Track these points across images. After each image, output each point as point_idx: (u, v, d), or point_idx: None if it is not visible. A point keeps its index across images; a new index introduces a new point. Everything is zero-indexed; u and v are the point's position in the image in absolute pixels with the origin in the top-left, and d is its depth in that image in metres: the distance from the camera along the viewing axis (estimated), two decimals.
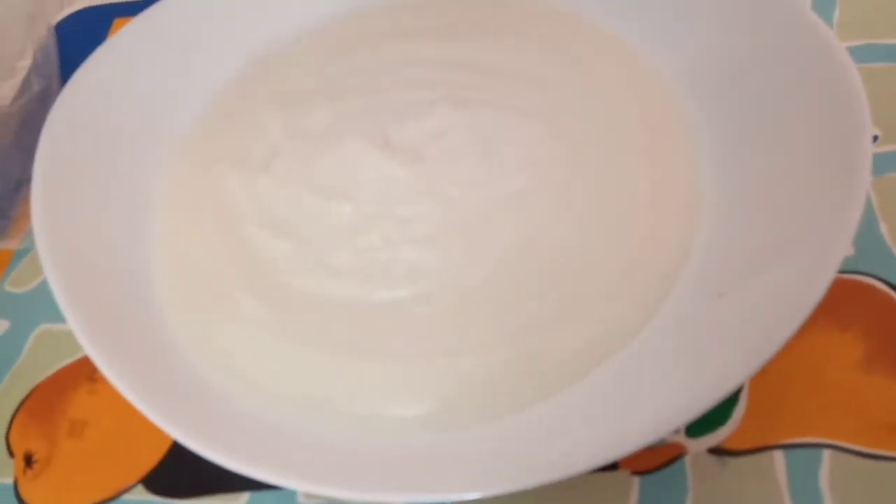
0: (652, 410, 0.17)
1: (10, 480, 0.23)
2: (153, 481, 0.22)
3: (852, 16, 0.28)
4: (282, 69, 0.28)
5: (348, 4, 0.29)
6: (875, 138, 0.25)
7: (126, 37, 0.28)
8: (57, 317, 0.24)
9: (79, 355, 0.25)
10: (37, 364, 0.25)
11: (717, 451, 0.20)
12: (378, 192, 0.23)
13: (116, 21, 0.38)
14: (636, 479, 0.20)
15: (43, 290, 0.27)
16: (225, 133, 0.27)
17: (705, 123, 0.23)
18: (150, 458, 0.22)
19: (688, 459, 0.20)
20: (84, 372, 0.25)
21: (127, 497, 0.22)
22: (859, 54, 0.27)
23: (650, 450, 0.20)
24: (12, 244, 0.29)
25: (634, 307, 0.20)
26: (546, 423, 0.18)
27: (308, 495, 0.21)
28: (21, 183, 0.31)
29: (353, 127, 0.25)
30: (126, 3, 0.38)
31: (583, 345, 0.19)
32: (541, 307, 0.20)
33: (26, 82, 0.36)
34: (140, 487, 0.22)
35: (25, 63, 0.37)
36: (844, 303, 0.21)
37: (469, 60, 0.26)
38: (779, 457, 0.19)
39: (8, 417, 0.24)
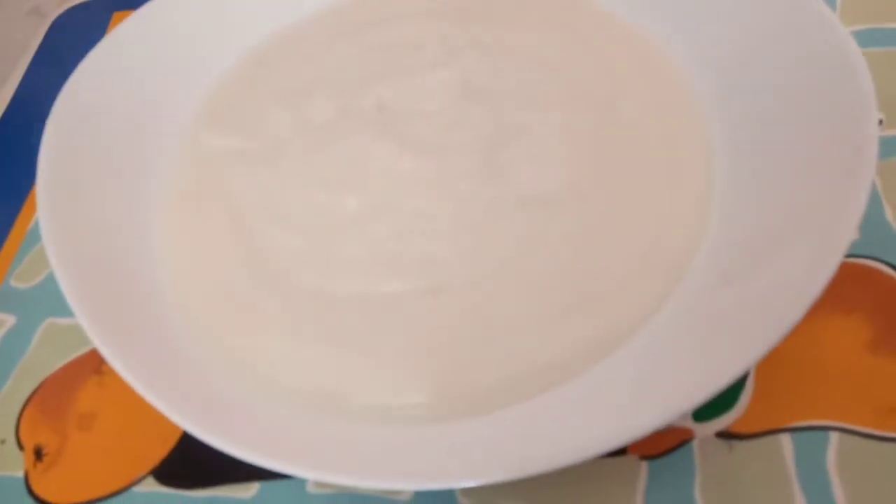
0: (660, 396, 0.17)
1: (20, 473, 0.23)
2: (163, 473, 0.22)
3: (855, 0, 0.28)
4: (285, 59, 0.28)
5: None
6: (880, 122, 0.25)
7: (126, 31, 0.27)
8: (63, 310, 0.24)
9: (86, 348, 0.25)
10: (44, 358, 0.26)
11: (724, 435, 0.20)
12: (386, 185, 0.23)
13: (116, 14, 0.38)
14: (644, 464, 0.20)
15: (49, 285, 0.27)
16: (229, 126, 0.27)
17: (715, 112, 0.23)
18: (160, 450, 0.22)
19: (695, 444, 0.20)
20: (92, 365, 0.25)
21: (137, 489, 0.22)
22: (862, 39, 0.27)
23: (658, 434, 0.20)
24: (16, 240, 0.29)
25: (644, 296, 0.20)
26: (556, 411, 0.18)
27: (318, 484, 0.21)
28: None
29: (359, 118, 0.25)
30: None
31: (593, 334, 0.19)
32: (551, 297, 0.20)
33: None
34: (150, 479, 0.22)
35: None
36: (850, 287, 0.21)
37: (482, 45, 0.26)
38: (786, 440, 0.19)
39: (17, 411, 0.24)
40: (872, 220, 0.22)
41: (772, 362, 0.20)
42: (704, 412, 0.20)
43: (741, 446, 0.19)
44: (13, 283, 0.28)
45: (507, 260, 0.21)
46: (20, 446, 0.24)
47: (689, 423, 0.20)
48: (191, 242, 0.24)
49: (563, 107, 0.24)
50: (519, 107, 0.24)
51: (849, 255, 0.22)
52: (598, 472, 0.20)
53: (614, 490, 0.19)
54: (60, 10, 0.39)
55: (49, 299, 0.27)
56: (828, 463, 0.19)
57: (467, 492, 0.20)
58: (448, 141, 0.23)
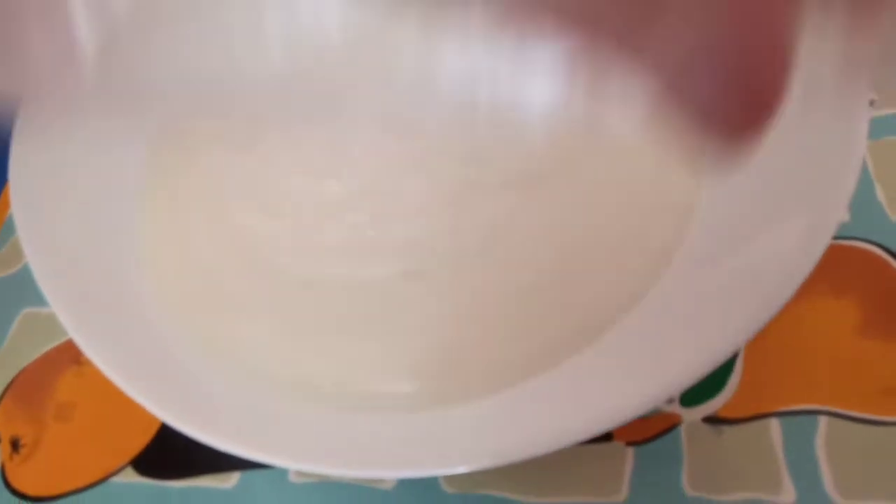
0: (646, 380, 0.16)
1: None
2: (142, 463, 0.22)
3: None
4: None
5: None
6: (872, 102, 0.24)
7: None
8: (41, 300, 0.24)
9: (64, 338, 0.25)
10: (22, 348, 0.25)
11: (712, 420, 0.19)
12: (365, 168, 0.23)
13: None
14: (630, 450, 0.19)
15: (27, 273, 0.27)
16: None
17: None
18: (139, 440, 0.22)
19: (683, 429, 0.20)
20: (70, 355, 0.24)
21: (116, 479, 0.22)
22: None
23: (644, 420, 0.20)
24: None
25: (630, 278, 0.19)
26: (539, 396, 0.18)
27: (299, 473, 0.21)
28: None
29: (338, 101, 0.24)
30: None
31: (577, 318, 0.19)
32: (534, 282, 0.20)
33: None
34: (129, 469, 0.22)
35: None
36: (840, 268, 0.21)
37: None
38: (774, 424, 0.19)
39: None
40: (863, 201, 0.22)
41: (760, 346, 0.20)
42: (692, 397, 0.20)
43: (729, 431, 0.19)
44: None
45: (490, 242, 0.21)
46: None
47: (677, 408, 0.20)
48: (169, 227, 0.23)
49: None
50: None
51: (840, 237, 0.21)
52: (583, 458, 0.19)
53: (600, 477, 0.19)
54: None
55: (27, 288, 0.26)
56: (816, 447, 0.19)
57: (451, 479, 0.20)
58: (431, 120, 0.23)
